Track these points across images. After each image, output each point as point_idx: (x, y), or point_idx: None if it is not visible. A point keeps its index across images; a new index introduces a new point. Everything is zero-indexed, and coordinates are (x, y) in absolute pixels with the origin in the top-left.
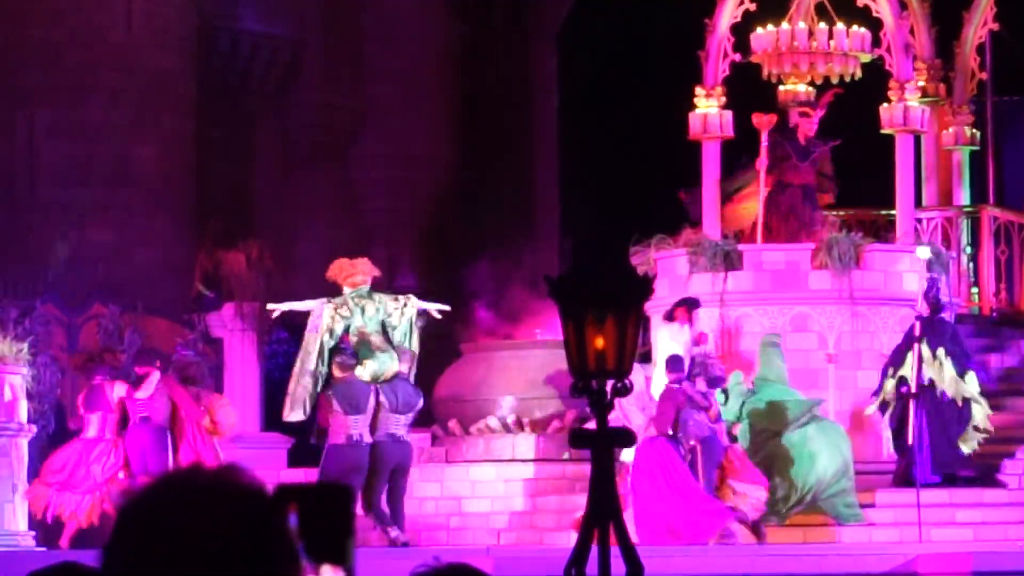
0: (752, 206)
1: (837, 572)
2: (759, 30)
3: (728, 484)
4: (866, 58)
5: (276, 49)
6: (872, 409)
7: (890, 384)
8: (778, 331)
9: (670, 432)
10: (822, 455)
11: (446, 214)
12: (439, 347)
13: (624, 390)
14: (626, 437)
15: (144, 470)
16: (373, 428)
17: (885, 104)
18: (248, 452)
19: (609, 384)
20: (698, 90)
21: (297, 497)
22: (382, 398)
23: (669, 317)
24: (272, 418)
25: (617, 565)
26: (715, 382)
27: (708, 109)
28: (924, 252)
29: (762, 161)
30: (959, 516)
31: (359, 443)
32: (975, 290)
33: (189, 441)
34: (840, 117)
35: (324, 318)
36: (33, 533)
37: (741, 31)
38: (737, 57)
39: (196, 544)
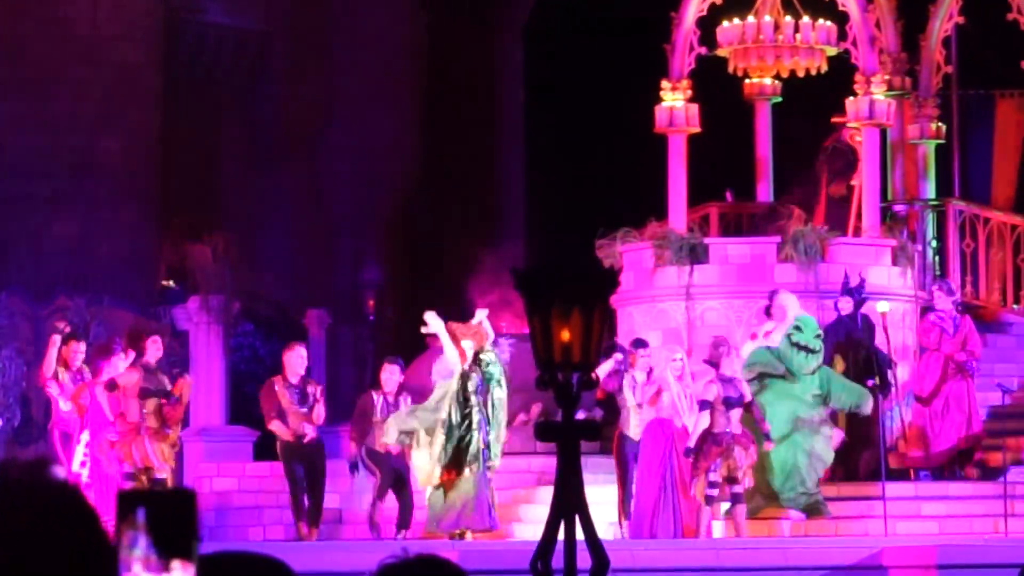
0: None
1: (803, 565)
2: (725, 23)
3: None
4: (832, 51)
5: (242, 42)
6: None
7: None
8: (743, 324)
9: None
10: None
11: (412, 206)
12: (407, 339)
13: (591, 383)
14: (592, 430)
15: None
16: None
17: (851, 97)
18: (214, 445)
19: (575, 377)
20: (664, 83)
21: (145, 501)
22: None
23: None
24: (237, 411)
25: (583, 558)
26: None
27: (674, 102)
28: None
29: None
30: (924, 509)
31: None
32: None
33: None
34: (806, 110)
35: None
36: None
37: (707, 24)
38: (703, 50)
39: (5, 535)
